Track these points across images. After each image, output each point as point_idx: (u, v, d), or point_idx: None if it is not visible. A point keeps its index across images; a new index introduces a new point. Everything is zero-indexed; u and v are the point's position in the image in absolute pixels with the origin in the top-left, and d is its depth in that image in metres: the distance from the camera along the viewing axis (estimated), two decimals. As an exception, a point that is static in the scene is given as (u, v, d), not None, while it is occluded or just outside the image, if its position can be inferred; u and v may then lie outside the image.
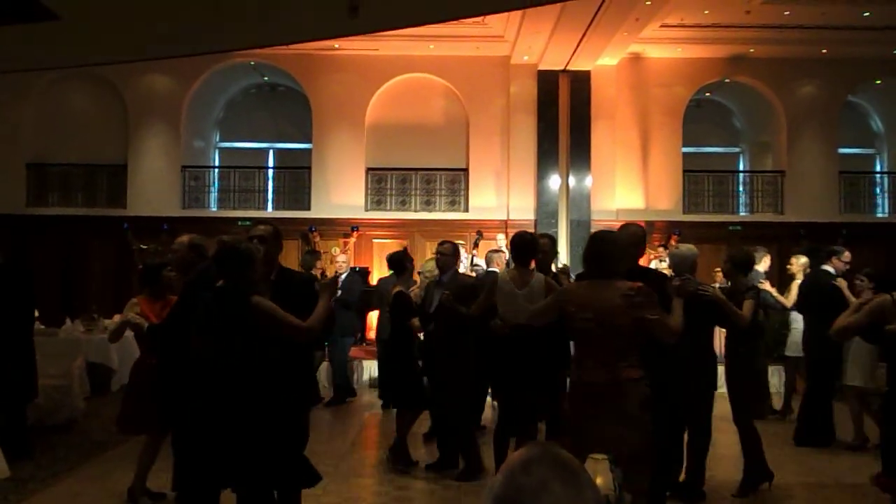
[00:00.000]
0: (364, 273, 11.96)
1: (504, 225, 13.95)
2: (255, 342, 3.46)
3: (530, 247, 5.23)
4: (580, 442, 3.49)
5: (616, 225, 13.78)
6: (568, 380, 4.08)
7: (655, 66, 14.36)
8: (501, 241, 12.55)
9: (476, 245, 12.39)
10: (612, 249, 3.81)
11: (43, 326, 10.08)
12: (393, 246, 14.47)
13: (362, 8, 4.72)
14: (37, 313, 10.30)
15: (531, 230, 13.97)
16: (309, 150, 14.55)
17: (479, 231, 12.77)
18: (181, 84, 14.27)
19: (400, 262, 6.56)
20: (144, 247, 12.83)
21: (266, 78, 15.21)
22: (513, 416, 5.25)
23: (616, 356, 3.63)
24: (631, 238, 4.48)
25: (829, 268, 7.20)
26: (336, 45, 13.51)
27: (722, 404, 5.60)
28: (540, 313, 4.17)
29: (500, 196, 14.23)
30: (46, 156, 14.32)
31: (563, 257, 13.41)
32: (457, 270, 6.30)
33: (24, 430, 6.24)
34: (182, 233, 5.20)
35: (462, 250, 11.72)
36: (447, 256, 6.10)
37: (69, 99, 14.56)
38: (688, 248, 5.45)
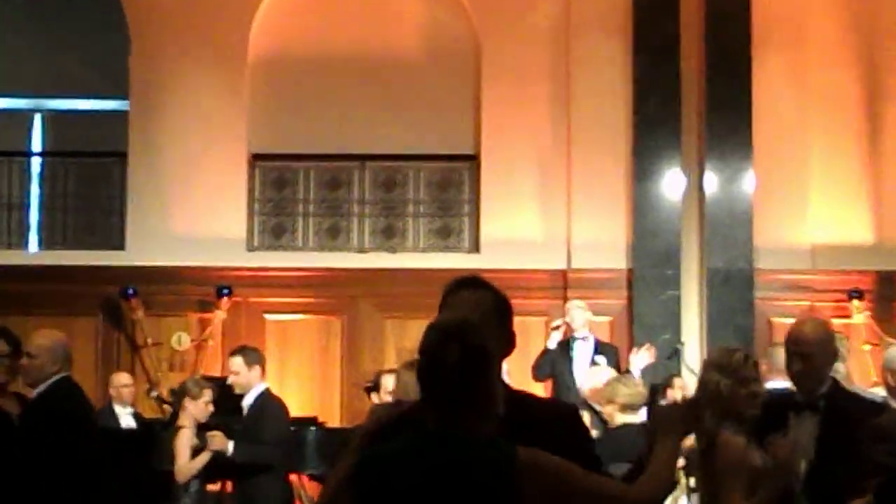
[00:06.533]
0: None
1: (562, 280, 7.40)
2: None
3: None
4: None
5: (813, 281, 6.83)
6: None
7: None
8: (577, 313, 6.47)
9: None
10: None
11: None
12: (314, 323, 7.53)
13: None
14: None
15: (622, 288, 7.18)
16: (123, 116, 7.90)
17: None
18: None
19: None
20: None
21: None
22: None
23: None
24: None
25: None
26: None
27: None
28: None
29: (550, 217, 7.69)
30: None
31: (695, 349, 6.67)
32: None
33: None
34: None
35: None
36: None
37: None
38: None
